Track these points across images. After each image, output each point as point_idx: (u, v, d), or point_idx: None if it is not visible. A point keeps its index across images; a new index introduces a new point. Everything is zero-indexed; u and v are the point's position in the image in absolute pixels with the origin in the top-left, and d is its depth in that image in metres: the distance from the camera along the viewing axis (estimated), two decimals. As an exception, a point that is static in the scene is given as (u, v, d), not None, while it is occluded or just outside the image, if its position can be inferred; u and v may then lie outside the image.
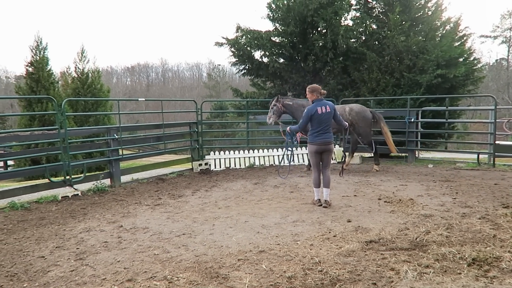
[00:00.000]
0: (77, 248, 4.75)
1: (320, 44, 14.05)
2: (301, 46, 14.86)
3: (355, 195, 7.17)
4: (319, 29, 14.68)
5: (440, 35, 13.78)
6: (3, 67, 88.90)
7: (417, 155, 11.95)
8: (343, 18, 14.47)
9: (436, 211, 5.84)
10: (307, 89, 6.44)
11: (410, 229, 4.94)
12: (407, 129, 11.35)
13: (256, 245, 4.56)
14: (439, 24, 13.91)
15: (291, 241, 4.67)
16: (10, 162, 17.25)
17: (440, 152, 13.52)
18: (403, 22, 13.11)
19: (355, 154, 12.17)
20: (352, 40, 14.53)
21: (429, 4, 13.91)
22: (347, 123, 6.76)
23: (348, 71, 14.47)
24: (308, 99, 6.47)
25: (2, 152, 9.64)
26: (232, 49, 15.51)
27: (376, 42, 14.38)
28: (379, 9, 14.69)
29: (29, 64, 18.33)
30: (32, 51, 18.48)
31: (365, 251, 4.24)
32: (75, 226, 5.77)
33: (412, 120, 11.30)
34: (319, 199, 6.50)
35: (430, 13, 13.89)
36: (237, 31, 15.24)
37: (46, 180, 7.99)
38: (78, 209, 6.87)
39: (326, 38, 13.92)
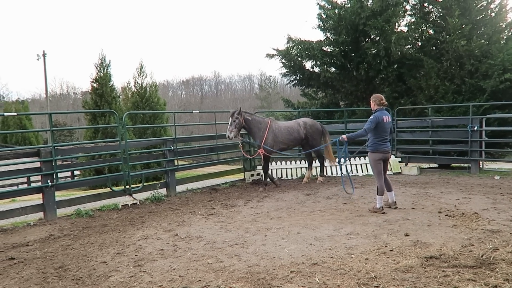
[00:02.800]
0: (135, 255, 4.96)
1: (373, 52, 13.71)
2: (353, 54, 14.60)
3: (413, 208, 6.84)
4: (371, 37, 14.36)
5: (505, 37, 12.90)
6: (72, 84, 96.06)
7: (481, 166, 11.19)
8: (396, 25, 14.04)
9: (504, 226, 5.41)
10: (371, 99, 6.70)
11: (475, 245, 4.61)
12: (469, 138, 10.69)
13: (309, 257, 4.49)
14: (504, 26, 13.02)
15: (345, 254, 4.54)
16: (76, 172, 18.51)
17: (508, 163, 12.56)
18: (463, 26, 12.43)
19: (413, 165, 11.68)
20: (407, 46, 14.03)
21: (492, 6, 13.08)
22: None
23: (404, 79, 13.95)
24: (371, 108, 6.68)
25: (70, 162, 10.37)
26: (283, 60, 15.57)
27: (434, 48, 13.76)
28: (436, 14, 14.06)
29: (94, 80, 19.65)
30: (96, 68, 19.82)
31: (425, 268, 4.02)
32: (134, 234, 6.03)
33: (476, 128, 10.62)
34: (382, 207, 6.58)
35: (493, 14, 13.05)
36: (288, 42, 15.30)
37: (108, 189, 8.45)
38: (137, 217, 7.19)
39: (378, 46, 13.56)
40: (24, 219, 7.55)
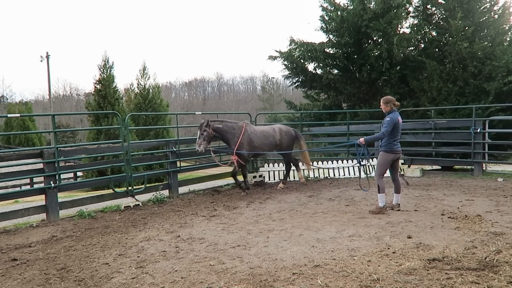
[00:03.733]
0: (137, 256, 4.96)
1: (375, 54, 13.70)
2: (355, 56, 14.60)
3: (416, 210, 6.82)
4: (374, 38, 14.35)
5: (509, 39, 12.86)
6: (75, 85, 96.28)
7: (484, 168, 11.14)
8: (399, 26, 14.03)
9: (507, 228, 5.38)
10: (381, 101, 6.71)
11: (478, 248, 4.59)
12: (472, 140, 10.65)
13: (311, 259, 4.48)
14: (507, 28, 12.99)
15: (347, 256, 4.53)
16: (79, 173, 18.54)
17: None
18: (466, 28, 12.41)
19: (415, 167, 11.65)
20: (410, 48, 14.01)
21: (495, 8, 13.06)
22: None
23: (406, 80, 13.93)
24: (385, 110, 6.70)
25: (73, 164, 10.40)
26: (285, 62, 15.57)
27: (437, 50, 13.74)
28: (439, 15, 14.04)
29: (97, 82, 19.68)
30: (100, 69, 19.85)
31: (427, 270, 4.00)
32: (136, 235, 6.04)
33: (478, 130, 10.58)
34: (386, 206, 6.73)
35: (496, 16, 13.03)
36: (290, 44, 15.31)
37: (111, 191, 8.47)
38: (139, 219, 7.19)
39: (381, 47, 13.56)
40: (27, 220, 7.57)
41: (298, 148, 10.26)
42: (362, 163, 7.44)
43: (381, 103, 6.69)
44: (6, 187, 14.52)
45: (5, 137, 39.55)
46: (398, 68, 13.89)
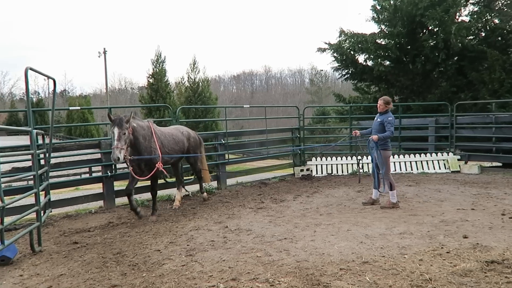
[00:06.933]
0: (187, 245, 5.13)
1: (431, 44, 13.06)
2: (409, 47, 14.02)
3: (473, 209, 6.46)
4: (429, 28, 13.67)
5: None
6: (129, 79, 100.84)
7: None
8: (457, 15, 13.26)
9: None
10: (383, 101, 6.88)
11: (543, 251, 4.27)
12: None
13: (359, 255, 4.39)
14: None
15: (397, 254, 4.39)
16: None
17: None
18: (534, 14, 11.49)
19: (473, 163, 11.02)
20: (469, 37, 13.20)
21: None
22: None
23: (464, 72, 13.17)
24: (381, 109, 6.89)
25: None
26: (335, 54, 15.29)
27: (499, 38, 12.84)
28: (502, 1, 13.09)
29: (150, 76, 20.47)
30: (153, 64, 20.64)
31: (485, 272, 3.79)
32: (186, 224, 6.24)
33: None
34: (398, 201, 6.92)
35: None
36: (340, 36, 15.01)
37: (162, 181, 8.78)
38: (189, 209, 7.42)
39: (437, 37, 12.90)
40: (86, 207, 8.07)
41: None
42: (373, 161, 7.20)
43: (382, 102, 6.89)
44: (67, 175, 15.55)
45: (67, 128, 42.20)
46: (455, 58, 13.18)
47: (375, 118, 7.08)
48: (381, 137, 6.76)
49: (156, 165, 6.67)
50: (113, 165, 7.85)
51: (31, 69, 5.20)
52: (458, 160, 10.95)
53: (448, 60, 13.10)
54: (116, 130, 6.01)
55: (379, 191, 7.12)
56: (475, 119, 11.65)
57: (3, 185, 4.36)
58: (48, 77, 5.91)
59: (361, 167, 8.00)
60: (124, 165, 6.83)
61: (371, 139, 6.83)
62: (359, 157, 8.47)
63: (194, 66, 23.03)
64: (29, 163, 6.74)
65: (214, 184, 9.49)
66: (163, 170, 6.94)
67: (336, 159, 11.36)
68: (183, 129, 8.05)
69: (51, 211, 6.81)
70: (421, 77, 14.14)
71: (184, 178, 8.86)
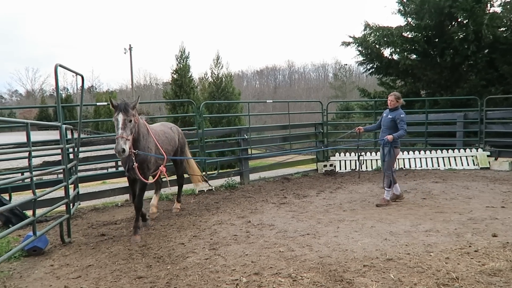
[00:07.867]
0: (211, 239, 5.19)
1: (460, 36, 12.65)
2: (437, 40, 13.64)
3: (503, 207, 6.25)
4: (459, 20, 13.25)
5: None
6: (154, 75, 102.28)
7: None
8: (489, 5, 12.79)
9: None
10: (394, 96, 6.73)
11: None
12: None
13: (383, 252, 4.34)
14: None
15: (423, 252, 4.31)
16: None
17: None
18: None
19: (504, 159, 10.65)
20: (501, 29, 12.72)
21: None
22: None
23: (495, 65, 12.70)
24: (392, 105, 6.72)
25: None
26: (359, 48, 15.05)
27: (533, 30, 12.33)
28: (537, -9, 12.56)
29: (174, 72, 20.70)
30: (177, 59, 20.87)
31: (515, 272, 3.67)
32: (209, 218, 6.31)
33: None
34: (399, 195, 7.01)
35: None
36: (365, 29, 14.76)
37: (186, 175, 8.90)
38: (212, 203, 7.50)
39: (467, 29, 12.48)
40: (113, 200, 8.28)
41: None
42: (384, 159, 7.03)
43: (393, 98, 6.72)
44: (95, 169, 15.96)
45: (94, 123, 43.19)
46: (486, 51, 12.71)
47: (385, 114, 6.89)
48: (396, 136, 6.63)
49: (160, 168, 6.06)
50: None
51: (60, 66, 5.36)
52: (488, 156, 10.61)
53: (479, 53, 12.66)
54: (120, 117, 5.09)
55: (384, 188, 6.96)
56: (506, 114, 11.23)
57: (34, 179, 4.52)
58: (77, 74, 6.07)
59: (362, 163, 7.84)
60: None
61: (386, 140, 6.64)
62: (362, 153, 8.27)
63: (217, 61, 23.14)
64: (59, 157, 6.98)
65: (237, 179, 9.55)
66: (165, 174, 6.27)
67: (360, 155, 11.19)
68: (170, 125, 7.18)
69: (79, 204, 7.02)
70: (449, 71, 13.74)
71: (208, 172, 8.94)
